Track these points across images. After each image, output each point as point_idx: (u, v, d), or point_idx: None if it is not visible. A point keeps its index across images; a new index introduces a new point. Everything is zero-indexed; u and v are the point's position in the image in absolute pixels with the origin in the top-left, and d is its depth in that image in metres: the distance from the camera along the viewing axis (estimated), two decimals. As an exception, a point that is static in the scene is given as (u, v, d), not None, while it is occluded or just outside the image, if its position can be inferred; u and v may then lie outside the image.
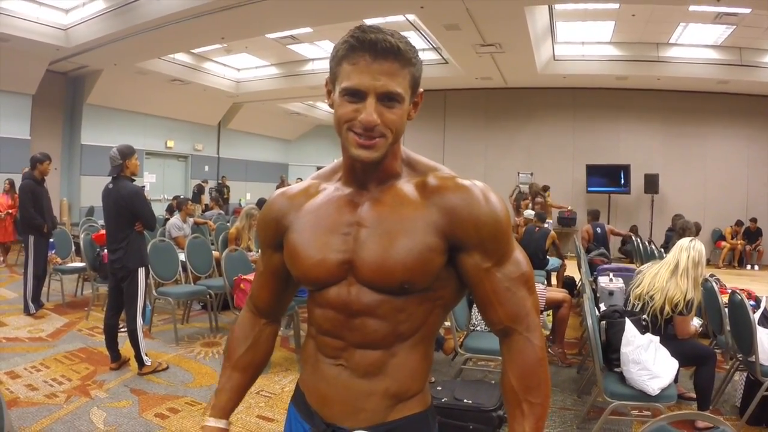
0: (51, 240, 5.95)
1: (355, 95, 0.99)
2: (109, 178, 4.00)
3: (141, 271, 4.03)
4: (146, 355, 4.09)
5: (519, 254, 1.09)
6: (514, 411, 1.06)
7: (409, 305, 1.05)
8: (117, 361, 4.12)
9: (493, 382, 3.40)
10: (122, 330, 4.18)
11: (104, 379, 3.92)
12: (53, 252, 6.13)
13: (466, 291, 1.14)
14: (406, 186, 1.08)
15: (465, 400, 3.25)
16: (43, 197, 5.62)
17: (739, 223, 11.05)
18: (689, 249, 3.33)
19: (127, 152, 3.93)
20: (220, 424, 1.23)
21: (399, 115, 1.01)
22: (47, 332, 5.01)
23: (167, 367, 4.19)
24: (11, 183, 8.93)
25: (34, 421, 3.19)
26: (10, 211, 8.64)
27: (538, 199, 9.85)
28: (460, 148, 13.15)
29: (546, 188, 11.18)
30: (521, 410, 1.05)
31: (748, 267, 10.89)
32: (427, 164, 1.12)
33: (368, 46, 0.98)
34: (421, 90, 1.07)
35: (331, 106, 1.05)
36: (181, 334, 5.08)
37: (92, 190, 11.62)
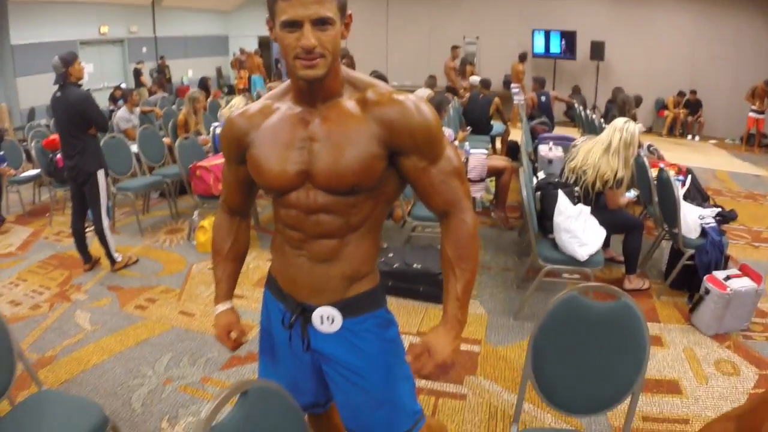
0: (0, 153, 5.83)
1: (293, 25, 1.15)
2: (56, 87, 3.90)
3: (100, 173, 4.05)
4: (116, 252, 4.23)
5: (450, 152, 1.32)
6: (448, 275, 1.34)
7: (358, 202, 1.28)
8: (89, 262, 4.27)
9: (438, 247, 3.69)
10: (89, 231, 4.30)
11: (81, 282, 4.05)
12: (5, 164, 5.97)
13: (406, 185, 1.36)
14: (349, 103, 1.26)
15: (415, 265, 3.63)
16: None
17: (681, 94, 11.26)
18: (622, 130, 3.51)
19: (69, 59, 3.83)
20: (226, 306, 1.53)
21: (333, 36, 1.17)
22: (15, 245, 4.96)
23: (137, 260, 4.38)
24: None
25: (25, 334, 3.28)
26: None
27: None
28: (404, 12, 12.83)
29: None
30: (454, 274, 1.32)
31: (689, 137, 11.33)
32: (365, 80, 1.30)
33: None
34: (350, 12, 1.23)
35: (275, 40, 1.20)
36: (144, 225, 5.19)
37: (30, 90, 11.04)
